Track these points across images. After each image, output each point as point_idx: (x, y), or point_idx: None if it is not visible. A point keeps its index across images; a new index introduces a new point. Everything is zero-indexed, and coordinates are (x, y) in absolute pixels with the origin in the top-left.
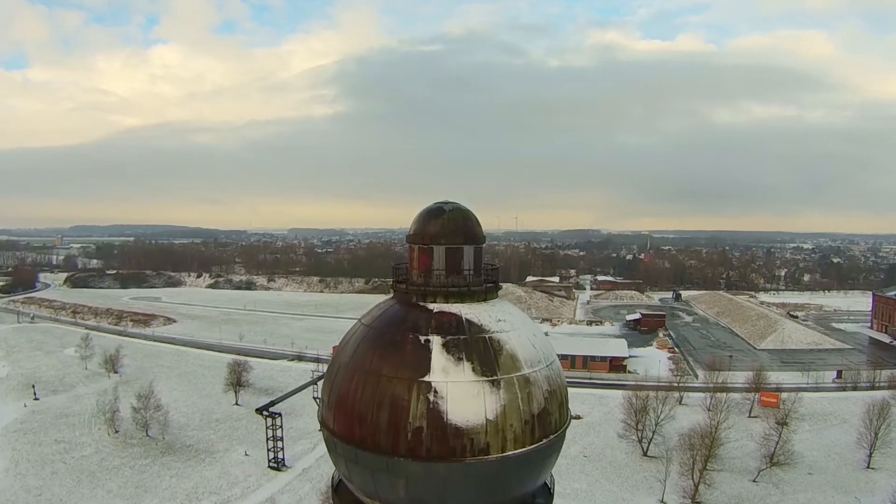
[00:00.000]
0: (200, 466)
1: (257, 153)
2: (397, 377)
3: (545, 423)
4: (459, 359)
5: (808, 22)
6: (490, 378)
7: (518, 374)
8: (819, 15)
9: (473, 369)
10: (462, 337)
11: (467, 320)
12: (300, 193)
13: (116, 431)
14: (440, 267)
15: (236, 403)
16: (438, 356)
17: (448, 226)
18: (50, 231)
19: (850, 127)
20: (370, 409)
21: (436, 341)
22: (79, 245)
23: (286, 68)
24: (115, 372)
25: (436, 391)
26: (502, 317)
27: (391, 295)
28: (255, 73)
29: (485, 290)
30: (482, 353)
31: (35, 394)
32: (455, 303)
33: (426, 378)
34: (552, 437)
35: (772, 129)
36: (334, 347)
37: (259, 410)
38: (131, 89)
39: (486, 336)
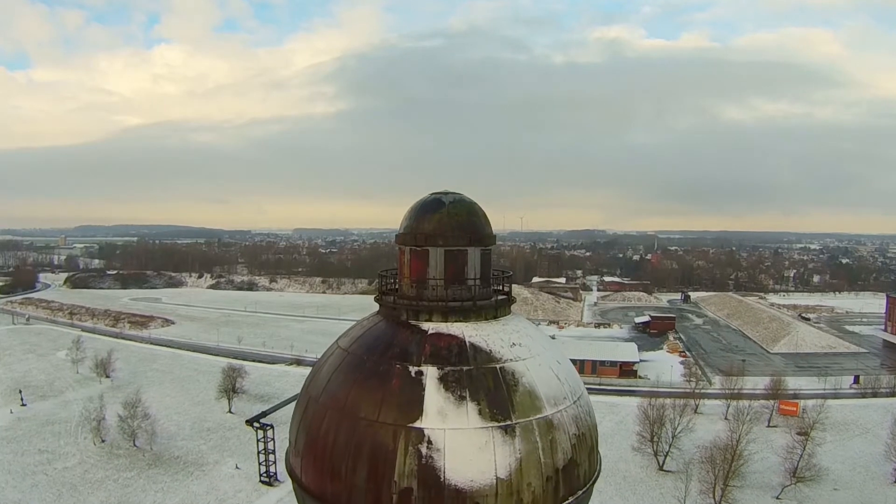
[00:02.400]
0: (188, 480)
1: (260, 152)
2: (379, 421)
3: (572, 478)
4: (461, 397)
5: (813, 20)
6: (502, 423)
7: (539, 416)
8: (824, 12)
9: (480, 412)
10: (465, 368)
11: (472, 345)
12: (305, 193)
13: (103, 441)
14: (437, 275)
15: (229, 411)
16: (434, 394)
17: (448, 222)
18: (55, 231)
19: (860, 124)
20: (345, 461)
21: (430, 374)
22: (82, 245)
23: (289, 67)
24: (107, 376)
25: (430, 441)
26: (517, 339)
27: (376, 310)
28: (256, 71)
29: (495, 304)
30: (491, 390)
31: (22, 399)
32: (456, 322)
33: (417, 424)
34: (580, 493)
35: (780, 127)
36: None
37: (249, 422)
38: (134, 89)
39: (497, 366)
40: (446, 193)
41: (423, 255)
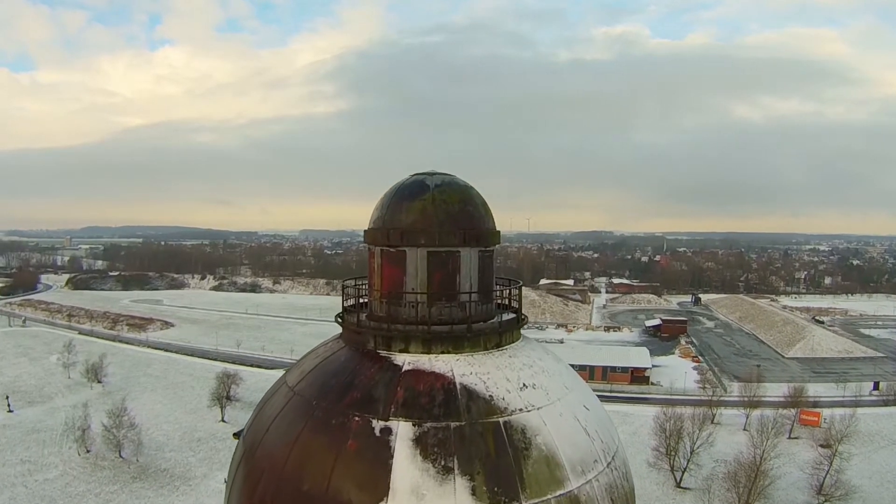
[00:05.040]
0: (173, 496)
1: (262, 153)
2: (328, 498)
3: None
4: (447, 469)
5: (818, 19)
6: None
7: (560, 492)
8: (829, 12)
9: (474, 490)
10: (453, 424)
11: (464, 389)
12: (310, 194)
13: (88, 451)
14: (418, 286)
15: (222, 420)
16: (406, 463)
17: (433, 213)
18: (61, 232)
19: (871, 123)
20: None
21: (402, 432)
22: (87, 246)
23: (290, 66)
24: (99, 382)
25: None
26: (530, 378)
27: (339, 334)
28: (257, 71)
29: (498, 327)
30: (492, 458)
31: (9, 406)
32: (444, 353)
33: None
34: None
35: (790, 126)
36: None
37: (238, 435)
38: (136, 90)
39: (501, 420)
40: (432, 174)
41: (399, 259)
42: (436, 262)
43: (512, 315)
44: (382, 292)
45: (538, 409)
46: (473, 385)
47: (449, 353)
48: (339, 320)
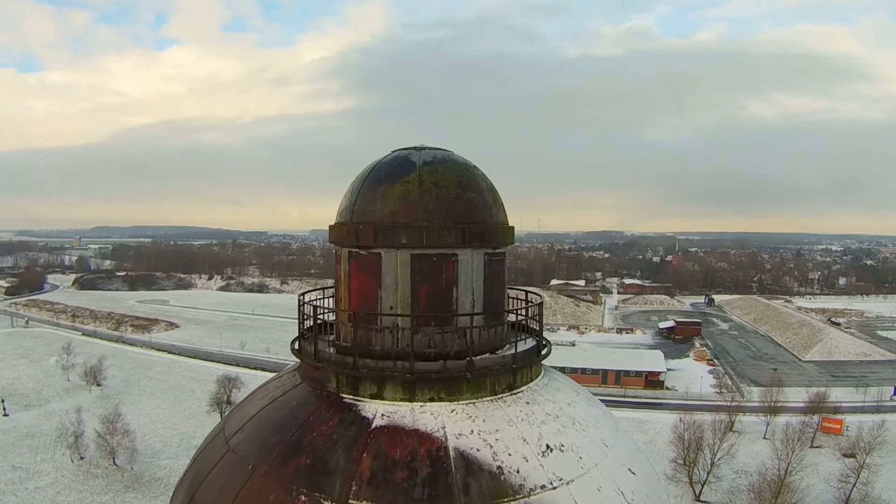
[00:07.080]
0: None
1: (269, 152)
2: None
3: None
4: None
5: (829, 17)
6: None
7: None
8: (838, 9)
9: None
10: None
11: (461, 455)
12: (318, 193)
13: (81, 458)
14: (399, 304)
15: None
16: None
17: (421, 200)
18: (71, 232)
19: (886, 121)
20: None
21: None
22: (96, 246)
23: (295, 65)
24: (98, 385)
25: None
26: (557, 435)
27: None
28: (261, 70)
29: (512, 362)
30: None
31: (4, 409)
32: (433, 401)
33: None
34: None
35: (804, 123)
36: None
37: None
38: (144, 90)
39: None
40: (420, 149)
41: (372, 266)
42: (423, 270)
43: (532, 343)
44: (350, 311)
45: (568, 483)
46: (474, 450)
47: (440, 400)
48: (295, 348)
